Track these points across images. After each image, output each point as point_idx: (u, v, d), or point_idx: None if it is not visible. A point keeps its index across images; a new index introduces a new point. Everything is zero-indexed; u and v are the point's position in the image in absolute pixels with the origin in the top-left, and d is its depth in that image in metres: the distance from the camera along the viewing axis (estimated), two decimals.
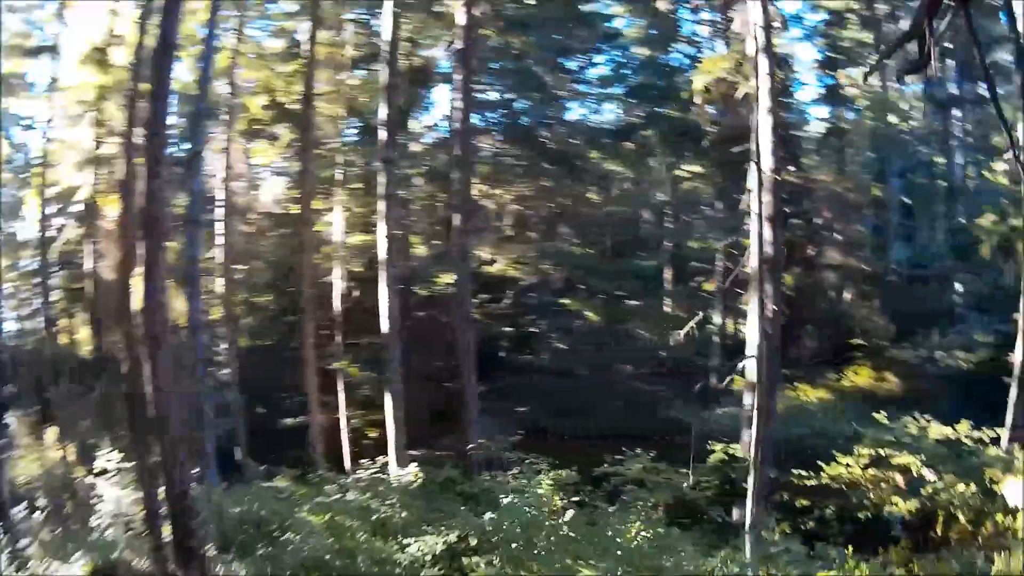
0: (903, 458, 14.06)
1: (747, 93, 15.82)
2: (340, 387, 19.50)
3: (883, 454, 14.25)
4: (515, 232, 25.38)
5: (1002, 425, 15.10)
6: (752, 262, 15.59)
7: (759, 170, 14.36)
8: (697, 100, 16.96)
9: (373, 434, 20.45)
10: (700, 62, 24.11)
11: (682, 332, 16.63)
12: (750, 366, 15.56)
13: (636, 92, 25.21)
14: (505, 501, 11.14)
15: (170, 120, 14.66)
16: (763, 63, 13.53)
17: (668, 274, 27.44)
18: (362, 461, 14.75)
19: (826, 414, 20.13)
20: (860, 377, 24.54)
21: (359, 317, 19.71)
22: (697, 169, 26.36)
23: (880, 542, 13.90)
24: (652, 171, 27.48)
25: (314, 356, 18.79)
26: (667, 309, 26.96)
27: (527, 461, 14.20)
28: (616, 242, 27.84)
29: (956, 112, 28.74)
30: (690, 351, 25.59)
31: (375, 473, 13.91)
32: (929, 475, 13.80)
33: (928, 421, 14.83)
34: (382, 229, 17.62)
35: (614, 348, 24.72)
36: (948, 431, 14.62)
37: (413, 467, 14.81)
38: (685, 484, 14.56)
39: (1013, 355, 16.85)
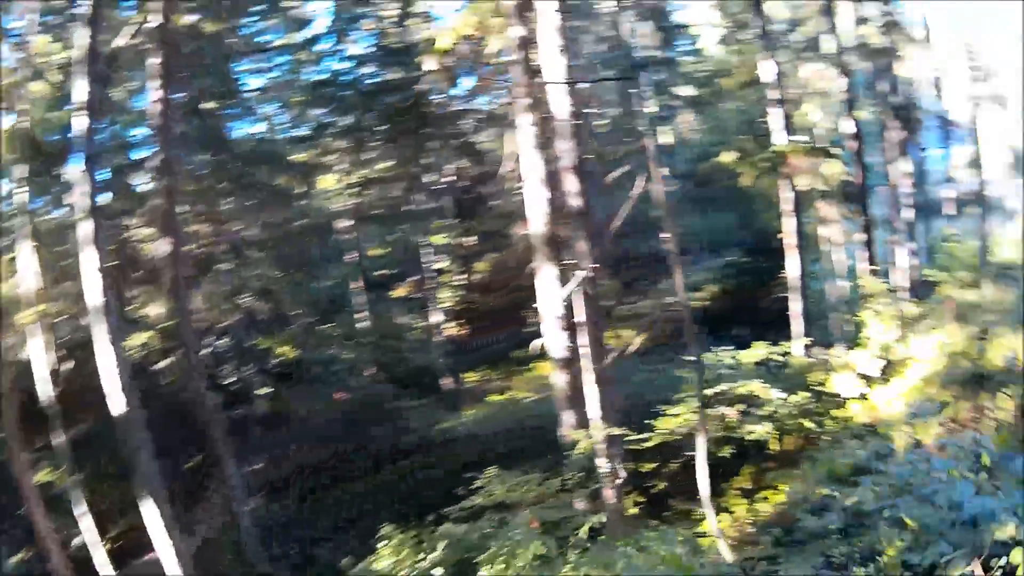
0: (743, 388, 14.48)
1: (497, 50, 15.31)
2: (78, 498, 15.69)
3: (724, 390, 14.56)
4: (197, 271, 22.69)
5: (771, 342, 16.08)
6: (537, 226, 14.78)
7: (548, 118, 13.80)
8: (433, 65, 15.98)
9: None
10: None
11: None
12: (554, 341, 14.67)
13: (319, 87, 23.73)
14: None
15: None
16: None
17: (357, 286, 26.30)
18: None
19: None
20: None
21: (74, 399, 16.13)
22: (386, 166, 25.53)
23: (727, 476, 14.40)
24: (338, 176, 26.02)
25: (28, 466, 14.88)
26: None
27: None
28: (301, 262, 26.29)
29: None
30: (418, 358, 25.16)
31: None
32: (777, 394, 14.35)
33: (732, 349, 15.66)
34: (91, 259, 13.04)
35: (330, 376, 23.25)
36: (758, 354, 15.49)
37: None
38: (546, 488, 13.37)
39: (787, 273, 18.32)
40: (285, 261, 24.21)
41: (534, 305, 15.04)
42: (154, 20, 15.47)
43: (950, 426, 12.08)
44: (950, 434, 11.86)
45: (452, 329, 27.35)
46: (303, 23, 23.14)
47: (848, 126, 20.33)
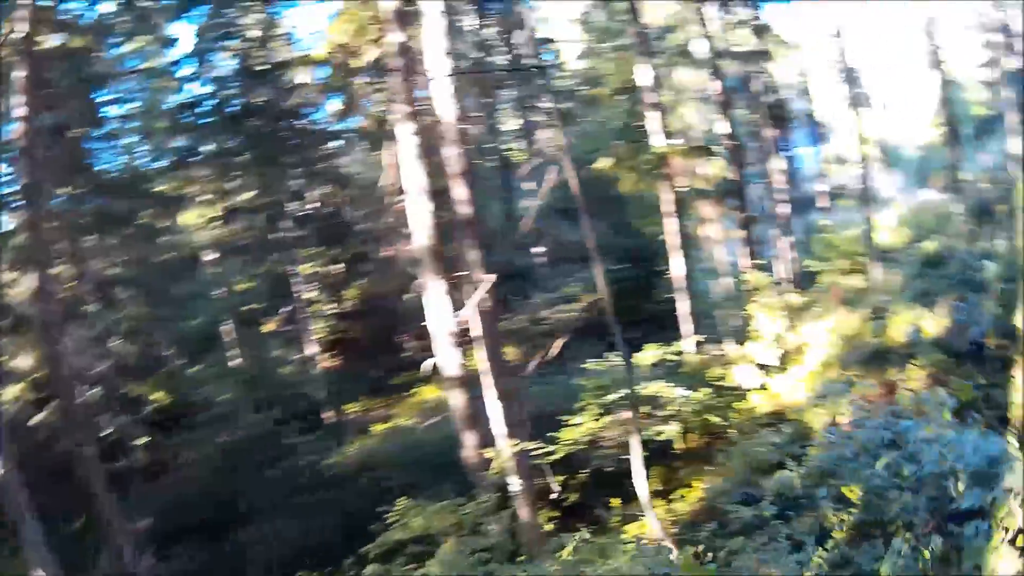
0: (646, 389, 14.32)
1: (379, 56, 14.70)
2: None
3: (627, 393, 14.32)
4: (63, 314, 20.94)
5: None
6: (421, 239, 13.90)
7: (429, 125, 13.34)
8: (306, 78, 15.27)
9: None
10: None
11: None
12: (448, 359, 13.98)
13: (181, 112, 22.45)
14: None
15: None
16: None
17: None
18: None
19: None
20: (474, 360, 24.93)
21: None
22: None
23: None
24: (202, 207, 24.64)
25: None
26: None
27: None
28: (168, 300, 24.85)
29: None
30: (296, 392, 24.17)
31: None
32: (680, 392, 14.27)
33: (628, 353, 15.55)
34: None
35: (208, 419, 21.97)
36: (652, 356, 15.45)
37: None
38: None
39: (671, 273, 18.47)
40: (152, 299, 22.82)
41: (414, 326, 14.37)
42: (20, 31, 14.18)
43: (861, 403, 12.35)
44: (861, 411, 12.15)
45: (328, 360, 26.41)
46: (165, 44, 21.96)
47: (723, 127, 20.84)
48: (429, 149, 13.72)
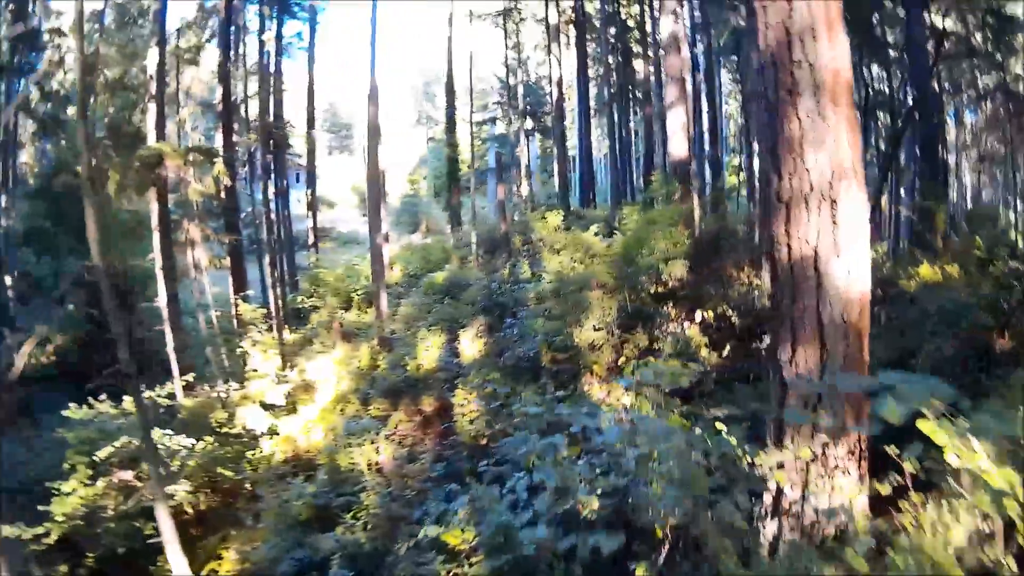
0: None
1: None
2: None
3: (118, 447, 12.27)
4: None
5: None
6: None
7: None
8: None
9: None
10: None
11: None
12: None
13: None
14: None
15: None
16: None
17: None
18: None
19: None
20: None
21: None
22: None
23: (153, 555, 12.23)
24: None
25: None
26: None
27: None
28: None
29: None
30: None
31: None
32: (183, 442, 12.78)
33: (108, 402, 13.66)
34: None
35: None
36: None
37: None
38: None
39: (158, 301, 16.46)
40: None
41: None
42: None
43: (401, 436, 12.20)
44: (408, 447, 11.99)
45: None
46: None
47: (219, 139, 19.35)
48: None
